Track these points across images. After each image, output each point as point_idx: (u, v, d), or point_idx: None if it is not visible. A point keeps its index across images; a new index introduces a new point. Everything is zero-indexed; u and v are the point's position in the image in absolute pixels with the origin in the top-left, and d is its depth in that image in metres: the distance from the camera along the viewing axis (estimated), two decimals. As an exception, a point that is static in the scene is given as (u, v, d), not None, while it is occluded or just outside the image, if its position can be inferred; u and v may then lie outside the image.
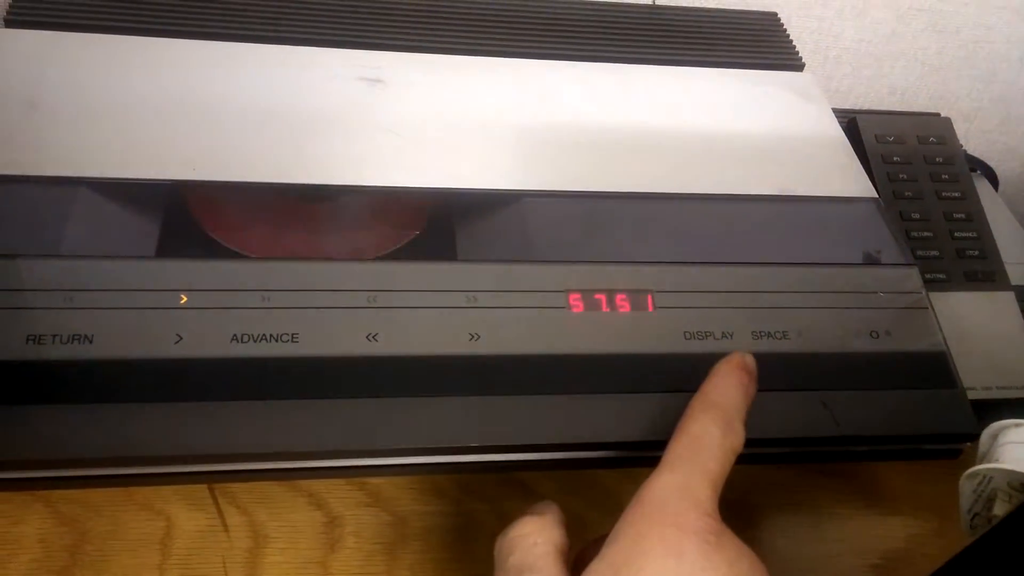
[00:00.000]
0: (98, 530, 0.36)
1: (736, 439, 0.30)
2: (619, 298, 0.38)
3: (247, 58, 0.47)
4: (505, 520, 0.38)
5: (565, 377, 0.36)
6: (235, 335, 0.35)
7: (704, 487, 0.28)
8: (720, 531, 0.28)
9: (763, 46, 0.56)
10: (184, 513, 0.37)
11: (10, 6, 0.47)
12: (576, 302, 0.38)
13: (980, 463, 0.34)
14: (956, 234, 0.50)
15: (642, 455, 0.37)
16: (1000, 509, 0.32)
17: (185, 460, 0.33)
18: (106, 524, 0.37)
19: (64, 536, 0.36)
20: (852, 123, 0.54)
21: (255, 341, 0.35)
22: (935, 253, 0.49)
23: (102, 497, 0.37)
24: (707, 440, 0.30)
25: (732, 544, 0.28)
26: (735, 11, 0.60)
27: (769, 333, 0.39)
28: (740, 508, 0.40)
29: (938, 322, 0.41)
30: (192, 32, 0.47)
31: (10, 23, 0.46)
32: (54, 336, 0.33)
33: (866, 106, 0.72)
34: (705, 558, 0.27)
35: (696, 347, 0.38)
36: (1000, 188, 0.64)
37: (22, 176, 0.39)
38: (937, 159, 0.53)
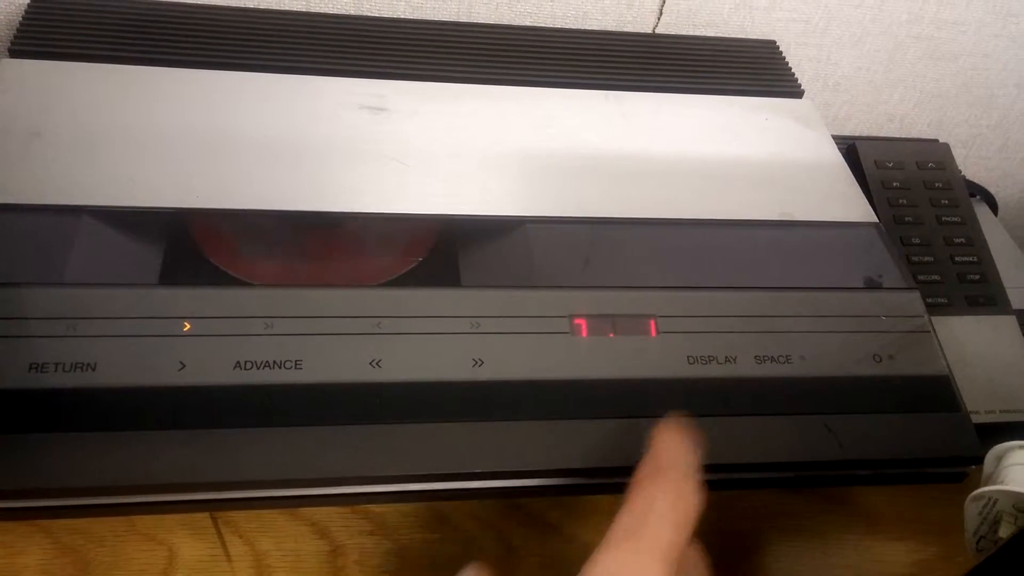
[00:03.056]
0: (100, 560, 0.36)
1: (687, 505, 0.28)
2: (622, 323, 0.38)
3: (250, 87, 0.47)
4: (510, 548, 0.38)
5: (569, 402, 0.36)
6: (238, 362, 0.35)
7: (648, 566, 0.26)
8: None
9: (762, 73, 0.57)
10: (186, 543, 0.37)
11: (15, 37, 0.48)
12: (579, 327, 0.38)
13: (985, 485, 0.33)
14: (957, 259, 0.50)
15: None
16: (1005, 531, 0.32)
17: (188, 488, 0.33)
18: (108, 554, 0.36)
19: (66, 567, 0.36)
20: (852, 149, 0.54)
21: (258, 368, 0.35)
22: (936, 277, 0.49)
23: (104, 527, 0.37)
24: (654, 513, 0.27)
25: None
26: (734, 39, 0.61)
27: (772, 357, 0.39)
28: (743, 534, 0.40)
29: (940, 346, 0.41)
30: (196, 61, 0.48)
31: (15, 53, 0.47)
32: (57, 364, 0.33)
33: (865, 133, 0.73)
34: None
35: (700, 371, 0.38)
36: (999, 213, 0.64)
37: (26, 205, 0.39)
38: (936, 184, 0.53)
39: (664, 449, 0.30)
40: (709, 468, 0.36)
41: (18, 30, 0.48)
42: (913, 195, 0.52)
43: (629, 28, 0.62)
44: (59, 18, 0.49)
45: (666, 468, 0.29)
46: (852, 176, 0.49)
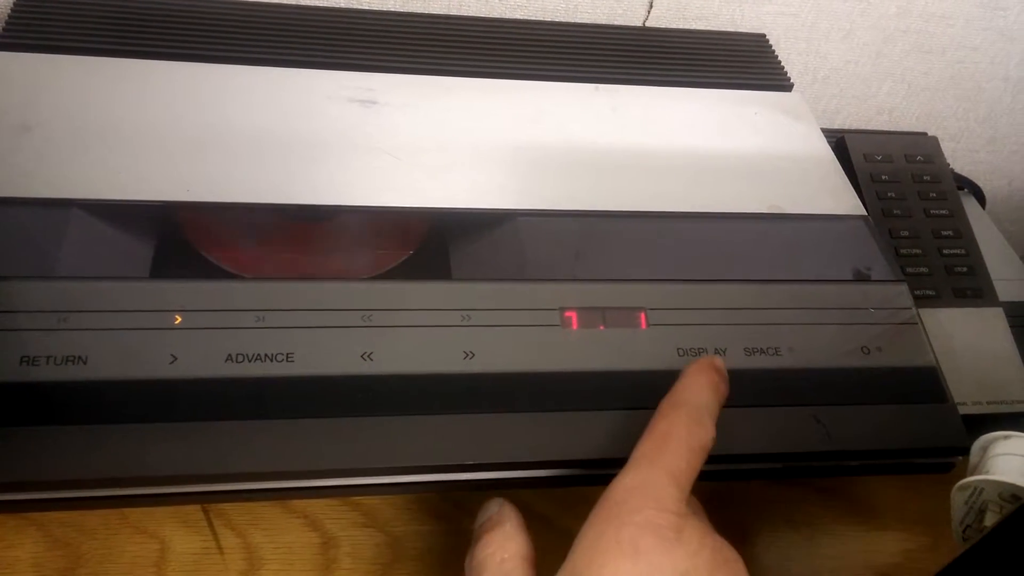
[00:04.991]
0: (92, 553, 0.36)
1: (704, 434, 0.30)
2: (612, 315, 0.39)
3: (240, 80, 0.47)
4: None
5: (560, 394, 0.36)
6: (230, 355, 0.35)
7: (666, 484, 0.28)
8: (680, 526, 0.28)
9: (752, 67, 0.57)
10: (178, 536, 0.37)
11: (3, 29, 0.48)
12: (570, 320, 0.38)
13: (971, 475, 0.34)
14: (945, 251, 0.50)
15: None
16: (991, 520, 0.33)
17: (180, 480, 0.33)
18: (100, 547, 0.36)
19: (58, 560, 0.36)
20: (841, 142, 0.54)
21: (250, 361, 0.35)
22: (924, 270, 0.49)
23: (96, 520, 0.37)
24: (672, 438, 0.30)
25: (694, 536, 0.28)
26: (724, 33, 0.61)
27: (761, 349, 0.39)
28: (733, 524, 0.41)
29: (928, 338, 0.41)
30: (186, 54, 0.48)
31: (3, 46, 0.46)
32: (48, 358, 0.33)
33: (854, 126, 0.73)
34: (663, 553, 0.27)
35: (689, 364, 0.38)
36: (987, 206, 0.64)
37: (15, 198, 0.39)
38: (925, 177, 0.53)
39: (686, 386, 0.32)
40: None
41: (6, 23, 0.48)
42: (901, 188, 0.52)
43: (619, 21, 0.62)
44: (48, 11, 0.49)
45: (685, 404, 0.31)
46: (841, 169, 0.50)
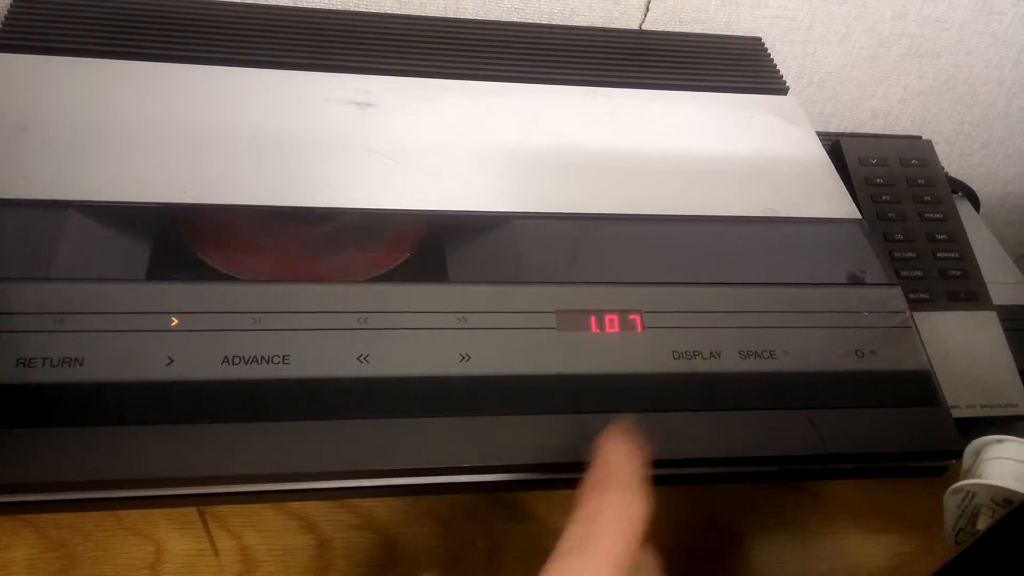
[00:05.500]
0: (88, 555, 0.36)
1: (636, 509, 0.29)
2: (608, 318, 0.39)
3: (237, 82, 0.47)
4: (496, 541, 0.38)
5: (555, 397, 0.36)
6: (226, 357, 0.35)
7: (599, 573, 0.27)
8: None
9: (748, 70, 0.57)
10: (174, 538, 0.37)
11: (0, 31, 0.47)
12: (566, 322, 0.38)
13: (963, 479, 0.34)
14: (939, 255, 0.50)
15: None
16: (983, 524, 0.33)
17: (176, 482, 0.33)
18: (95, 549, 0.36)
19: (53, 561, 0.36)
20: (836, 146, 0.54)
21: (246, 363, 0.35)
22: (918, 273, 0.49)
23: (92, 522, 0.37)
24: (602, 522, 0.28)
25: None
26: (720, 36, 0.61)
27: (756, 352, 0.39)
28: (727, 527, 0.41)
29: (922, 341, 0.41)
30: (183, 56, 0.48)
31: (1, 47, 0.46)
32: (44, 359, 0.33)
33: (849, 129, 0.73)
34: None
35: (684, 367, 0.38)
36: (981, 210, 0.64)
37: (12, 199, 0.39)
38: (919, 181, 0.53)
39: (607, 461, 0.30)
40: (694, 462, 0.37)
41: (3, 24, 0.48)
42: (896, 191, 0.53)
43: (616, 24, 0.62)
44: (45, 12, 0.49)
45: (610, 480, 0.29)
46: (836, 173, 0.50)
